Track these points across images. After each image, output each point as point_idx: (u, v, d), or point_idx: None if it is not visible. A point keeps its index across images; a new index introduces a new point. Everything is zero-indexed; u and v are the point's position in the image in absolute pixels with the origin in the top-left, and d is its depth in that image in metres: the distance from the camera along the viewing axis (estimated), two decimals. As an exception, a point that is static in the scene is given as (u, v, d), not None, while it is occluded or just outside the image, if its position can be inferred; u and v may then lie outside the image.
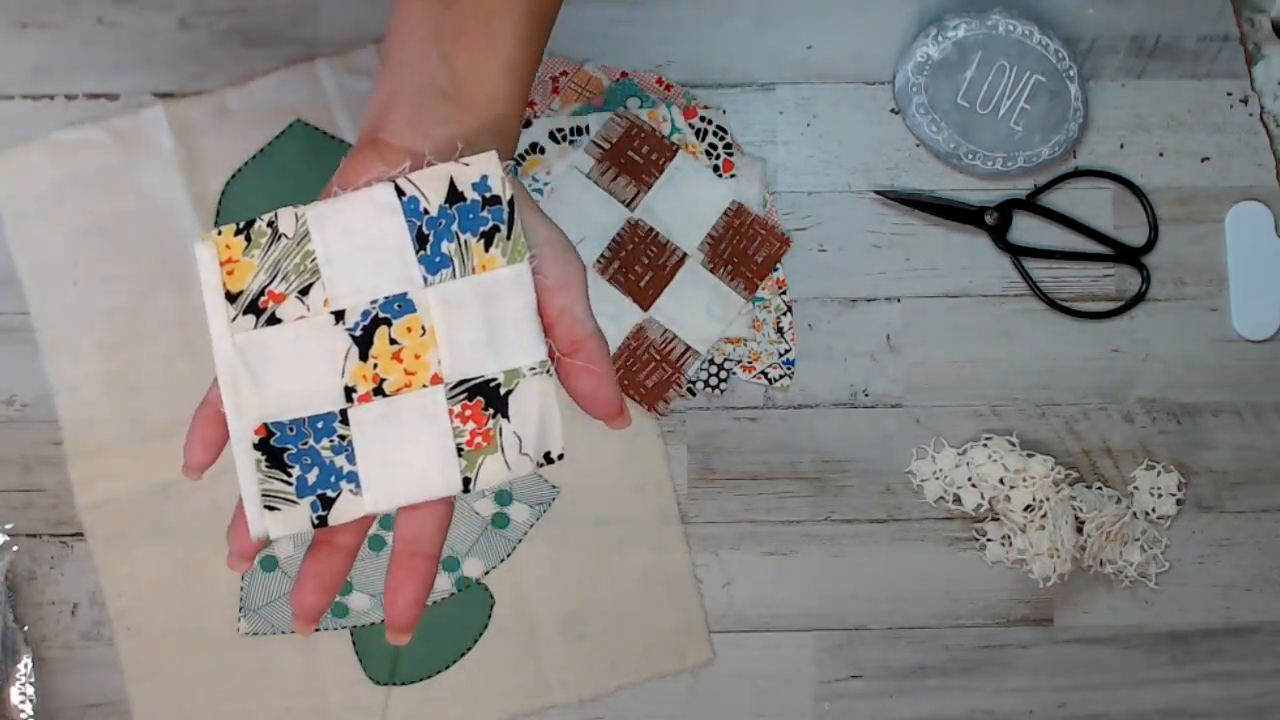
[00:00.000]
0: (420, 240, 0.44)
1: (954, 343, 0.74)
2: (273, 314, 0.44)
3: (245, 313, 0.43)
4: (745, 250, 0.73)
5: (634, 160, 0.73)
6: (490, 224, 0.44)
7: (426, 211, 0.44)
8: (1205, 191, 0.75)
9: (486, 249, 0.44)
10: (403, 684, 0.71)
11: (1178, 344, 0.74)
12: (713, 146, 0.73)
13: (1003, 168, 0.73)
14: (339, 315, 0.44)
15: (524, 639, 0.72)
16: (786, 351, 0.73)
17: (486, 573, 0.72)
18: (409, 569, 0.44)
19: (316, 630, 0.71)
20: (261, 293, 0.44)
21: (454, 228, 0.44)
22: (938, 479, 0.73)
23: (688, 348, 0.72)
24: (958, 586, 0.73)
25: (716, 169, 0.73)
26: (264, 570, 0.71)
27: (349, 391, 0.44)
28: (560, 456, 0.44)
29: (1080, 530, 0.71)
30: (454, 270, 0.44)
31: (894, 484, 0.73)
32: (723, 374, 0.72)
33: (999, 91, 0.73)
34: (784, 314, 0.73)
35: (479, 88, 0.47)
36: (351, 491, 0.43)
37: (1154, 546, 0.73)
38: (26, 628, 0.71)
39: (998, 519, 0.73)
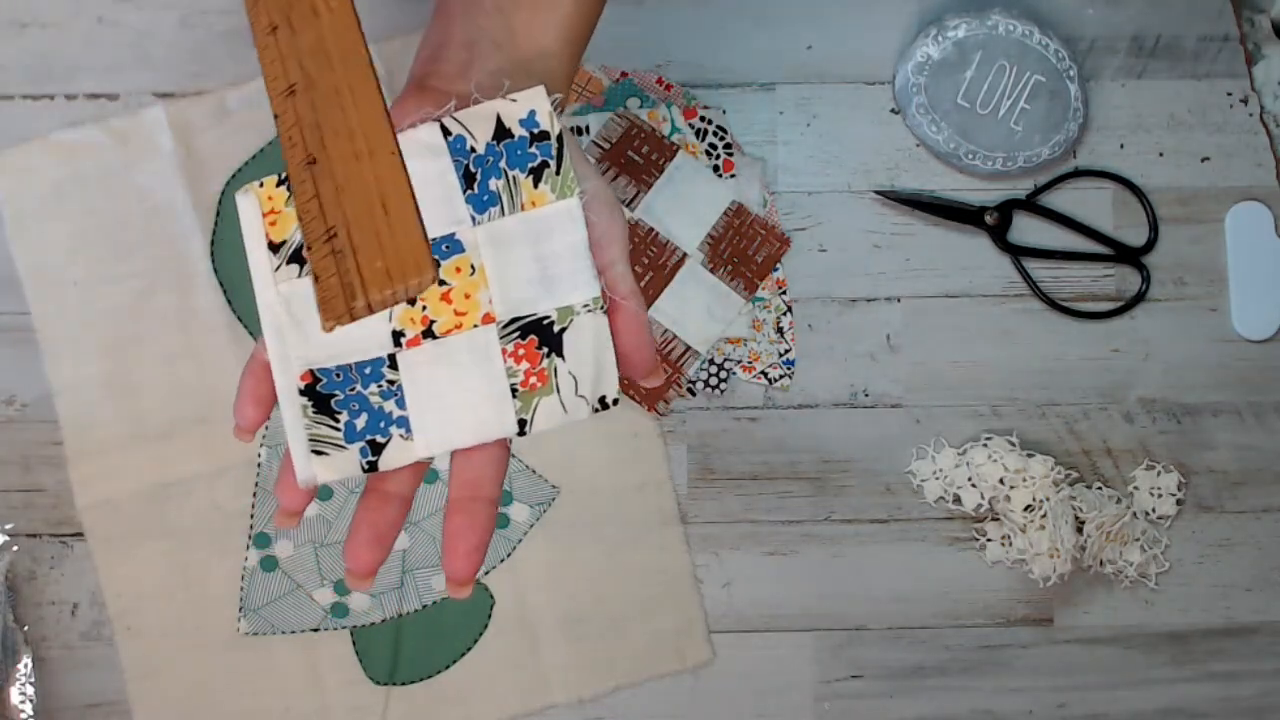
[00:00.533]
0: (467, 179, 0.43)
1: (954, 343, 0.74)
2: None
3: (288, 262, 0.42)
4: (745, 250, 0.73)
5: (634, 160, 0.73)
6: (539, 159, 0.43)
7: (473, 150, 0.43)
8: (1205, 191, 0.75)
9: (535, 185, 0.43)
10: (403, 684, 0.71)
11: (1178, 344, 0.74)
12: (713, 146, 0.73)
13: (1003, 168, 0.73)
14: None
15: (524, 639, 0.72)
16: (786, 351, 0.73)
17: (486, 573, 0.72)
18: (469, 514, 0.43)
19: (315, 631, 0.71)
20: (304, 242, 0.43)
21: (502, 164, 0.43)
22: (938, 479, 0.73)
23: (688, 348, 0.72)
24: (958, 586, 0.73)
25: (716, 169, 0.73)
26: (264, 570, 0.71)
27: (397, 335, 0.42)
28: (615, 402, 0.43)
29: (1080, 530, 0.71)
30: (502, 207, 0.43)
31: (894, 484, 0.73)
32: (723, 374, 0.72)
33: (999, 91, 0.73)
34: (784, 314, 0.73)
35: (533, 42, 0.46)
36: (402, 436, 0.42)
37: (1154, 546, 0.73)
38: (26, 628, 0.71)
39: (998, 519, 0.73)
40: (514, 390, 0.43)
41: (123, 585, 0.71)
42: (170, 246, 0.72)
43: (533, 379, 0.43)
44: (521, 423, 0.43)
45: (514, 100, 0.43)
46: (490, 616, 0.72)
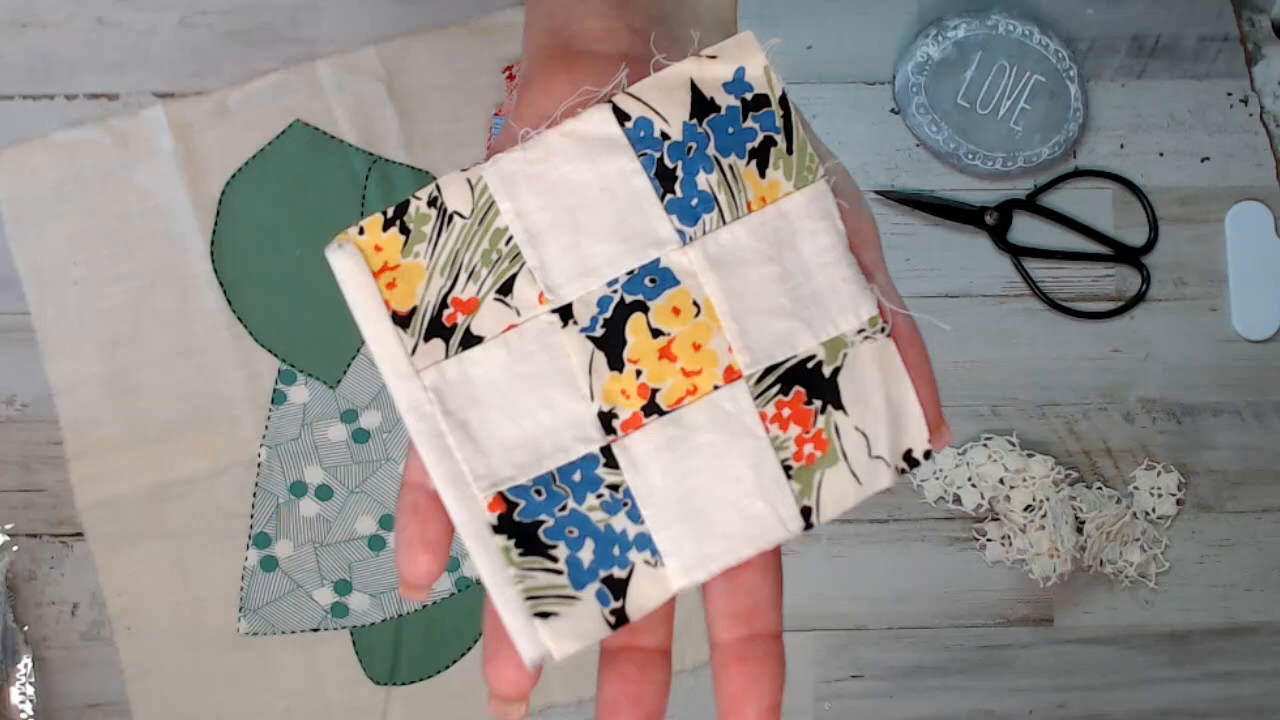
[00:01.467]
0: (664, 179, 0.31)
1: (954, 343, 0.74)
2: (468, 330, 0.31)
3: (427, 338, 0.31)
4: (745, 250, 0.72)
5: (634, 160, 0.72)
6: (760, 136, 0.31)
7: (665, 136, 0.31)
8: (1205, 191, 0.75)
9: (762, 173, 0.31)
10: (403, 684, 0.71)
11: (1178, 344, 0.74)
12: (713, 146, 0.73)
13: (1003, 168, 0.73)
14: (564, 313, 0.31)
15: (524, 639, 0.72)
16: (786, 351, 0.73)
17: (486, 573, 0.72)
18: (755, 661, 0.31)
19: (315, 631, 0.71)
20: (444, 304, 0.31)
21: (710, 151, 0.31)
22: (938, 479, 0.73)
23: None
24: (958, 586, 0.73)
25: (716, 169, 0.73)
26: (264, 570, 0.71)
27: (606, 418, 0.31)
28: (927, 455, 0.32)
29: (1080, 530, 0.71)
30: (721, 213, 0.31)
31: (894, 484, 0.73)
32: (723, 374, 0.72)
33: (999, 91, 0.73)
34: (784, 314, 0.73)
35: None
36: (649, 563, 0.31)
37: (1154, 546, 0.73)
38: (26, 628, 0.71)
39: (998, 519, 0.73)
40: (787, 469, 0.31)
41: (123, 585, 0.71)
42: (170, 246, 0.72)
43: (808, 447, 0.31)
44: (806, 511, 0.31)
45: (711, 57, 0.31)
46: (490, 616, 0.72)
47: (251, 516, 0.71)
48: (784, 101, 0.31)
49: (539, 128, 0.31)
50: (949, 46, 0.73)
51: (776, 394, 0.31)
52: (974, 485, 0.72)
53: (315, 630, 0.71)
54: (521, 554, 0.30)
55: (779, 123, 0.31)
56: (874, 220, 0.33)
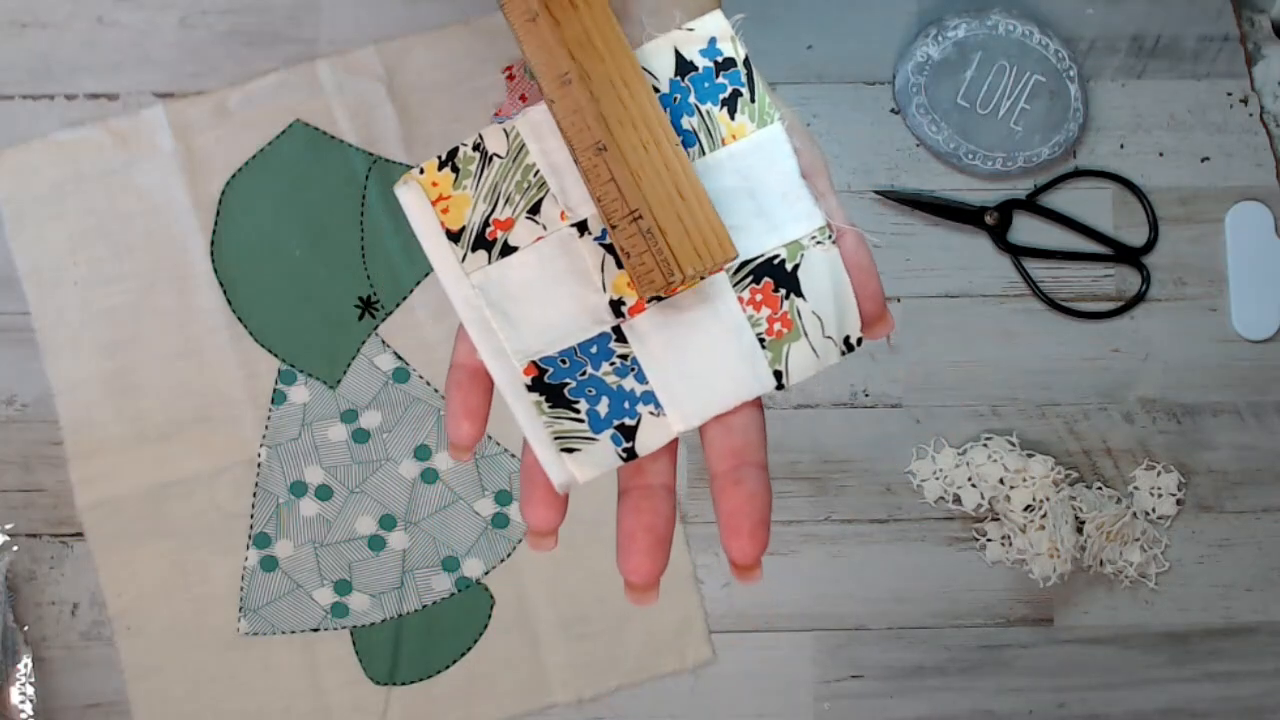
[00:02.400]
0: None
1: (954, 343, 0.74)
2: (505, 243, 0.39)
3: (474, 249, 0.39)
4: (745, 250, 0.73)
5: (634, 160, 0.73)
6: (729, 89, 0.40)
7: (656, 90, 0.39)
8: (1205, 191, 0.75)
9: (732, 117, 0.39)
10: (403, 684, 0.71)
11: (1178, 344, 0.74)
12: (713, 146, 0.73)
13: (1003, 168, 0.73)
14: (581, 226, 0.39)
15: (524, 639, 0.72)
16: (786, 351, 0.73)
17: (486, 573, 0.72)
18: (745, 483, 0.38)
19: (315, 631, 0.71)
20: (486, 223, 0.39)
21: (691, 100, 0.39)
22: (938, 479, 0.73)
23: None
24: (958, 586, 0.73)
25: (716, 169, 0.73)
26: (264, 570, 0.71)
27: (617, 305, 0.38)
28: (859, 342, 0.39)
29: (1080, 530, 0.71)
30: (701, 147, 0.39)
31: (894, 484, 0.73)
32: (723, 374, 0.72)
33: (999, 91, 0.73)
34: (784, 314, 0.73)
35: None
36: (653, 413, 0.39)
37: (1154, 546, 0.73)
38: (26, 628, 0.71)
39: (998, 519, 0.73)
40: (761, 340, 0.39)
41: (123, 585, 0.71)
42: (170, 246, 0.72)
43: (777, 325, 0.39)
44: (778, 374, 0.39)
45: (690, 29, 0.40)
46: (490, 616, 0.72)
47: (251, 516, 0.71)
48: (747, 63, 0.40)
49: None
50: (949, 46, 0.73)
51: (750, 282, 0.39)
52: (974, 485, 0.72)
53: (315, 630, 0.71)
54: (550, 406, 0.38)
55: (744, 79, 0.40)
56: (824, 156, 0.41)
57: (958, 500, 0.73)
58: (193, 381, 0.71)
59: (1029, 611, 0.73)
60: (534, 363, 0.38)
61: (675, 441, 0.39)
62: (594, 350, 0.39)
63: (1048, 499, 0.70)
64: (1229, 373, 0.74)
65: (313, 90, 0.73)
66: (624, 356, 0.39)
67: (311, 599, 0.71)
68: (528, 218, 0.39)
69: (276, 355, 0.72)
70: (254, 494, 0.71)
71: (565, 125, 0.38)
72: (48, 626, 0.71)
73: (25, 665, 0.70)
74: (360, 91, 0.73)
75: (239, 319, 0.72)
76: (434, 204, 0.39)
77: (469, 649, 0.72)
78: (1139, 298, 0.74)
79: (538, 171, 0.39)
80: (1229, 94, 0.75)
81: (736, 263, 0.38)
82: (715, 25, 0.40)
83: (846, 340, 0.39)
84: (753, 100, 0.40)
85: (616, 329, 0.39)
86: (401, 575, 0.72)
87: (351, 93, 0.73)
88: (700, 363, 0.38)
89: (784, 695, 0.72)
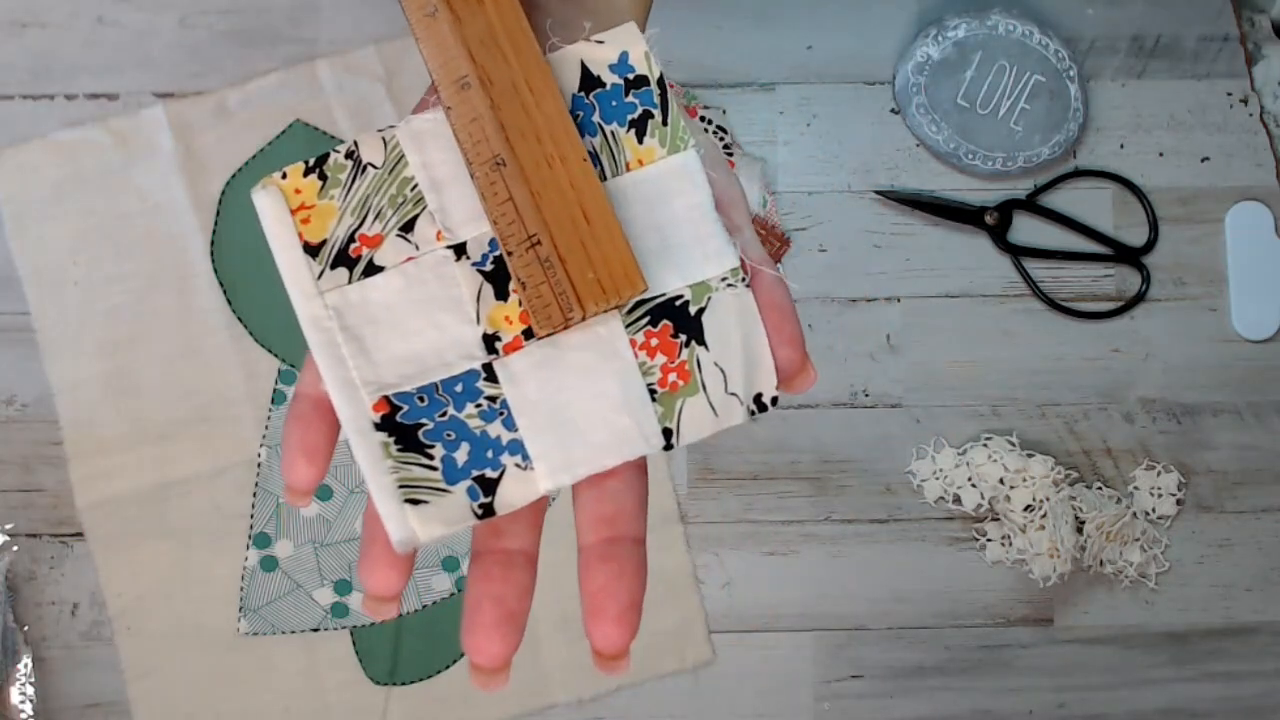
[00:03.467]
0: None
1: (954, 343, 0.74)
2: (370, 261, 0.34)
3: (333, 266, 0.34)
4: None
5: (634, 160, 0.72)
6: (639, 109, 0.35)
7: None
8: (1205, 191, 0.75)
9: (640, 140, 0.35)
10: (403, 684, 0.71)
11: (1178, 344, 0.74)
12: (713, 146, 0.73)
13: (1003, 168, 0.73)
14: (459, 249, 0.34)
15: (524, 639, 0.71)
16: (786, 351, 0.73)
17: (486, 573, 0.72)
18: (616, 561, 0.33)
19: (315, 631, 0.71)
20: (351, 239, 0.34)
21: (595, 119, 0.35)
22: (938, 479, 0.73)
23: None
24: (958, 586, 0.73)
25: (716, 169, 0.73)
26: (264, 570, 0.71)
27: (490, 340, 0.34)
28: (774, 401, 0.34)
29: (1080, 530, 0.71)
30: (603, 170, 0.35)
31: (894, 484, 0.73)
32: (723, 374, 0.72)
33: (999, 91, 0.73)
34: (784, 314, 0.73)
35: None
36: (519, 466, 0.33)
37: (1154, 546, 0.73)
38: (26, 628, 0.71)
39: (998, 519, 0.73)
40: (652, 392, 0.34)
41: (123, 585, 0.71)
42: (170, 246, 0.72)
43: (672, 376, 0.34)
44: (667, 433, 0.34)
45: (600, 42, 0.36)
46: (490, 616, 0.72)
47: (251, 516, 0.71)
48: (661, 82, 0.36)
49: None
50: (949, 46, 0.73)
51: (646, 324, 0.34)
52: (974, 485, 0.72)
53: (315, 630, 0.71)
54: (400, 450, 0.33)
55: (656, 100, 0.36)
56: (741, 189, 0.36)
57: (958, 500, 0.73)
58: (193, 381, 0.71)
59: (1029, 611, 0.73)
60: (386, 398, 0.33)
61: (544, 500, 0.34)
62: (459, 389, 0.34)
63: (1048, 499, 0.70)
64: (1229, 373, 0.74)
65: (313, 90, 0.73)
66: (493, 399, 0.34)
67: (311, 599, 0.71)
68: (398, 235, 0.34)
69: (276, 355, 0.72)
70: (254, 494, 0.71)
71: (461, 136, 0.34)
72: (48, 626, 0.71)
73: (25, 665, 0.70)
74: (360, 91, 0.73)
75: (239, 319, 0.72)
76: (294, 212, 0.35)
77: (469, 649, 0.72)
78: (1139, 298, 0.74)
79: (415, 186, 0.35)
80: (1229, 94, 0.75)
81: (632, 301, 0.34)
82: (628, 39, 0.36)
83: (757, 399, 0.34)
84: (665, 123, 0.35)
85: (487, 366, 0.34)
86: (401, 575, 0.72)
87: (351, 93, 0.73)
88: (579, 412, 0.33)
89: (784, 695, 0.72)
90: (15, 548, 0.71)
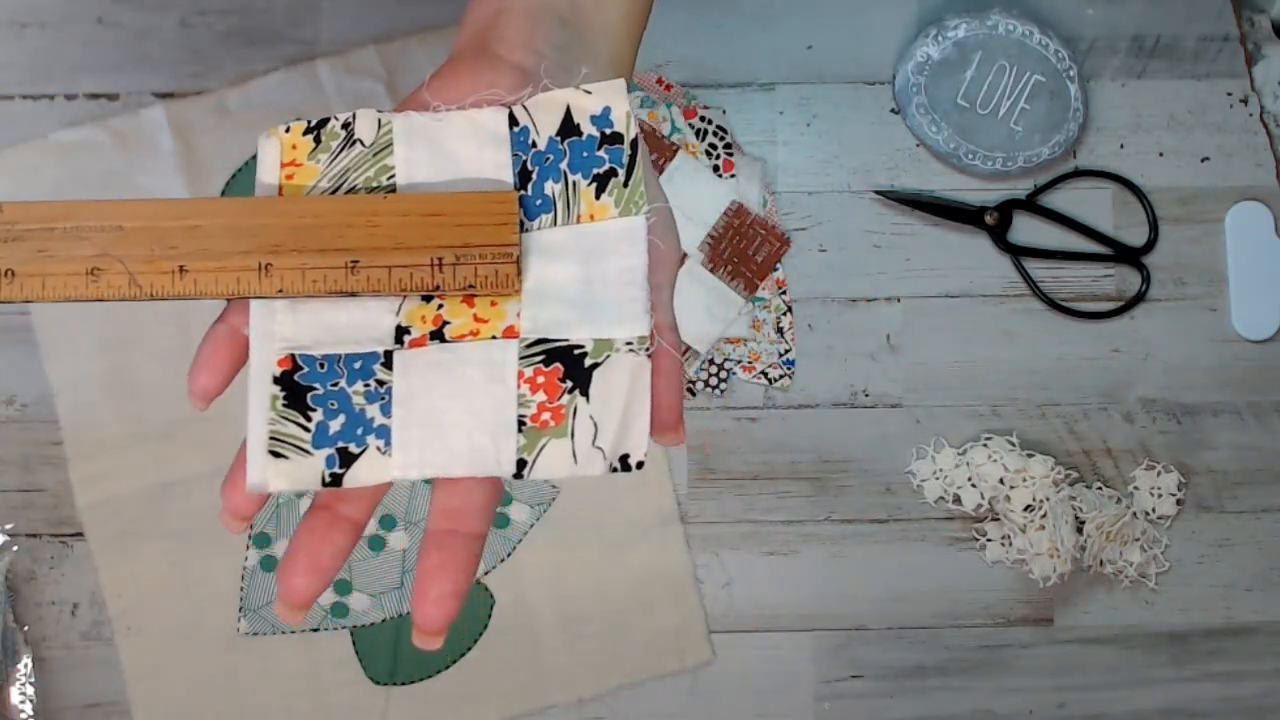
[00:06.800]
0: (522, 177, 0.37)
1: (954, 343, 0.74)
2: None
3: None
4: (745, 250, 0.73)
5: (634, 160, 0.72)
6: (606, 166, 0.37)
7: (534, 144, 0.37)
8: (1205, 191, 0.75)
9: (598, 195, 0.37)
10: (403, 684, 0.71)
11: (1178, 344, 0.74)
12: (713, 146, 0.73)
13: (1003, 168, 0.73)
14: None
15: (524, 639, 0.72)
16: (786, 351, 0.73)
17: (486, 573, 0.72)
18: (447, 550, 0.36)
19: (315, 631, 0.71)
20: None
21: (563, 166, 0.37)
22: (938, 479, 0.73)
23: (687, 347, 0.72)
24: (958, 586, 0.73)
25: (716, 169, 0.73)
26: (264, 570, 0.71)
27: (401, 332, 0.37)
28: (639, 465, 0.36)
29: (1080, 530, 0.71)
30: (555, 216, 0.37)
31: (894, 484, 0.73)
32: (723, 374, 0.72)
33: (999, 91, 0.73)
34: (784, 314, 0.73)
35: (599, 17, 0.40)
36: (380, 450, 0.36)
37: (1154, 546, 0.73)
38: (26, 628, 0.71)
39: (998, 519, 0.73)
40: (521, 423, 0.36)
41: (123, 585, 0.71)
42: (170, 246, 0.72)
43: (546, 415, 0.36)
44: (521, 464, 0.36)
45: (588, 92, 0.38)
46: (490, 616, 0.72)
47: (251, 516, 0.71)
48: (634, 144, 0.38)
49: (451, 105, 0.38)
50: (949, 46, 0.73)
51: (539, 361, 0.36)
52: (974, 485, 0.72)
53: (315, 630, 0.71)
54: (285, 405, 0.36)
55: (625, 160, 0.37)
56: (679, 255, 0.39)
57: (958, 500, 0.73)
58: (193, 381, 0.71)
59: (1029, 611, 0.73)
60: (293, 355, 0.36)
61: (384, 488, 0.37)
62: (357, 366, 0.37)
63: (1048, 499, 0.70)
64: (1229, 373, 0.74)
65: (313, 90, 0.73)
66: (381, 383, 0.36)
67: (311, 599, 0.71)
68: None
69: (276, 355, 0.72)
70: (254, 494, 0.71)
71: (309, 290, 0.36)
72: (48, 626, 0.71)
73: (25, 665, 0.70)
74: (360, 91, 0.73)
75: (239, 319, 0.72)
76: (283, 166, 0.37)
77: (469, 649, 0.72)
78: (1139, 298, 0.74)
79: (392, 175, 0.37)
80: (1229, 94, 0.75)
81: (534, 337, 0.36)
82: (614, 95, 0.38)
83: (624, 459, 0.36)
84: (626, 184, 0.37)
85: (388, 354, 0.36)
86: (401, 575, 0.72)
87: (351, 93, 0.73)
88: (449, 419, 0.36)
89: (784, 695, 0.72)
90: (15, 548, 0.71)
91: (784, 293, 0.73)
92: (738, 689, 0.72)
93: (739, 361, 0.73)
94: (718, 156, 0.73)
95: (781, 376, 0.73)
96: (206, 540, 0.71)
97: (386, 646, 0.71)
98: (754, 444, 0.73)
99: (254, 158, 0.72)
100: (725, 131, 0.73)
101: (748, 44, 0.74)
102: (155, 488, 0.71)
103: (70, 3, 0.73)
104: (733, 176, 0.73)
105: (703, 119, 0.73)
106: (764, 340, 0.73)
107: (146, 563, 0.71)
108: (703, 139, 0.73)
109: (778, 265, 0.73)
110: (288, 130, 0.38)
